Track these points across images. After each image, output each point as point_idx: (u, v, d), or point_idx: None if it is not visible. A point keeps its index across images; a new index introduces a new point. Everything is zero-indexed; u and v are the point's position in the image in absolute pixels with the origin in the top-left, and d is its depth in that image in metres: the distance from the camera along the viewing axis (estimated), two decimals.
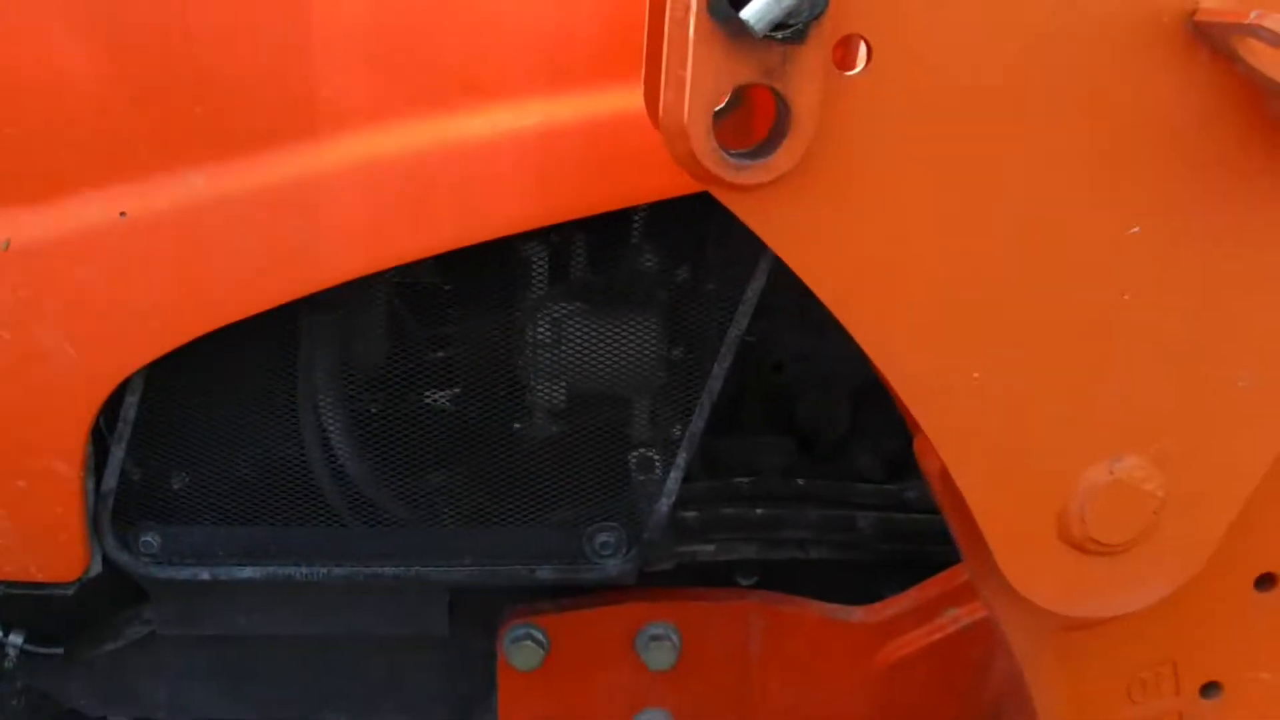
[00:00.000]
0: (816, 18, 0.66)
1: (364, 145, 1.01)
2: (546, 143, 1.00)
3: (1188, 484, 0.81)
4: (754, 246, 1.11)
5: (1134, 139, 0.73)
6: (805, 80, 0.68)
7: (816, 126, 0.68)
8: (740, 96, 0.73)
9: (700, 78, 0.67)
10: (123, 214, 1.00)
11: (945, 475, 0.82)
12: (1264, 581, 0.90)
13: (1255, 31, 0.68)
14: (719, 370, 1.13)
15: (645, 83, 0.84)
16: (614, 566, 1.21)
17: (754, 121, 0.76)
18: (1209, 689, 0.93)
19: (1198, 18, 0.72)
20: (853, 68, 0.71)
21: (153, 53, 0.98)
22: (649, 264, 1.13)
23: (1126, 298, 0.76)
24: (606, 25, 0.99)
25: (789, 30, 0.66)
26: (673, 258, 1.13)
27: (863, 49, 0.71)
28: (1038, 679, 0.89)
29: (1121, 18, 0.71)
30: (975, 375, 0.76)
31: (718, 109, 0.72)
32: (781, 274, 0.94)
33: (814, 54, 0.67)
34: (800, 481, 1.32)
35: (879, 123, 0.71)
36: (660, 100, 0.71)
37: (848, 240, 0.73)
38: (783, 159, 0.68)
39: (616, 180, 1.02)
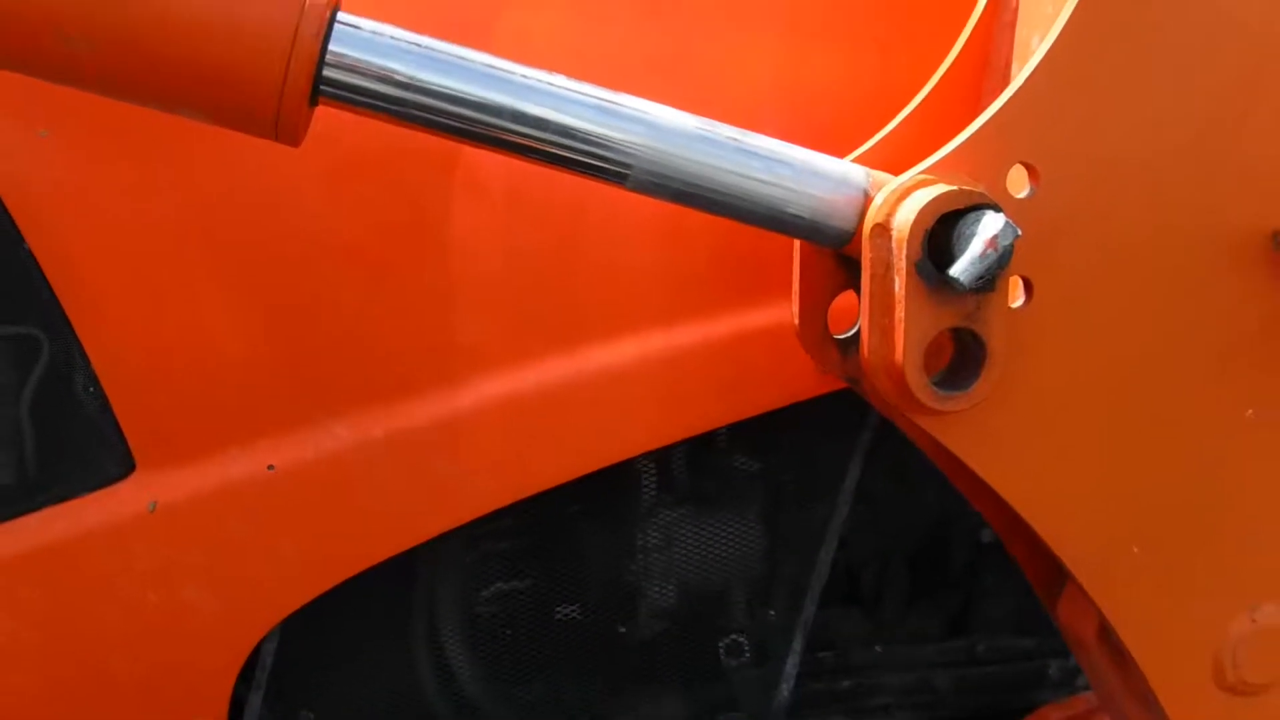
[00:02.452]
0: (1004, 267, 0.79)
1: (502, 384, 1.09)
2: (667, 368, 1.10)
3: None
4: (845, 444, 1.24)
5: (1242, 339, 0.88)
6: (996, 320, 0.80)
7: (1008, 358, 0.80)
8: None
9: (912, 326, 0.79)
10: (271, 467, 1.06)
11: (1101, 636, 0.93)
12: None
13: None
14: (825, 556, 1.23)
15: (802, 318, 0.95)
16: None
17: None
18: None
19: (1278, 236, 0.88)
20: (1015, 301, 0.84)
21: (300, 316, 1.06)
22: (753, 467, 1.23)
23: (1247, 472, 0.89)
24: (712, 259, 1.11)
25: (984, 280, 0.79)
26: (778, 460, 1.24)
27: (1021, 285, 0.85)
28: None
29: (1219, 246, 0.87)
30: (1135, 550, 0.88)
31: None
32: None
33: (1001, 297, 0.80)
34: (878, 649, 1.41)
35: (1042, 347, 0.84)
36: (865, 343, 0.82)
37: (1028, 448, 0.85)
38: (982, 388, 0.80)
39: (731, 397, 1.13)
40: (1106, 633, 0.93)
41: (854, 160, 0.89)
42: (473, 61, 0.81)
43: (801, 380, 1.13)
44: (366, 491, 1.09)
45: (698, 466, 1.24)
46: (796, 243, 0.96)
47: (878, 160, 0.89)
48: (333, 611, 1.16)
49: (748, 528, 1.26)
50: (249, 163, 0.98)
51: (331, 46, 0.77)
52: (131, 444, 1.04)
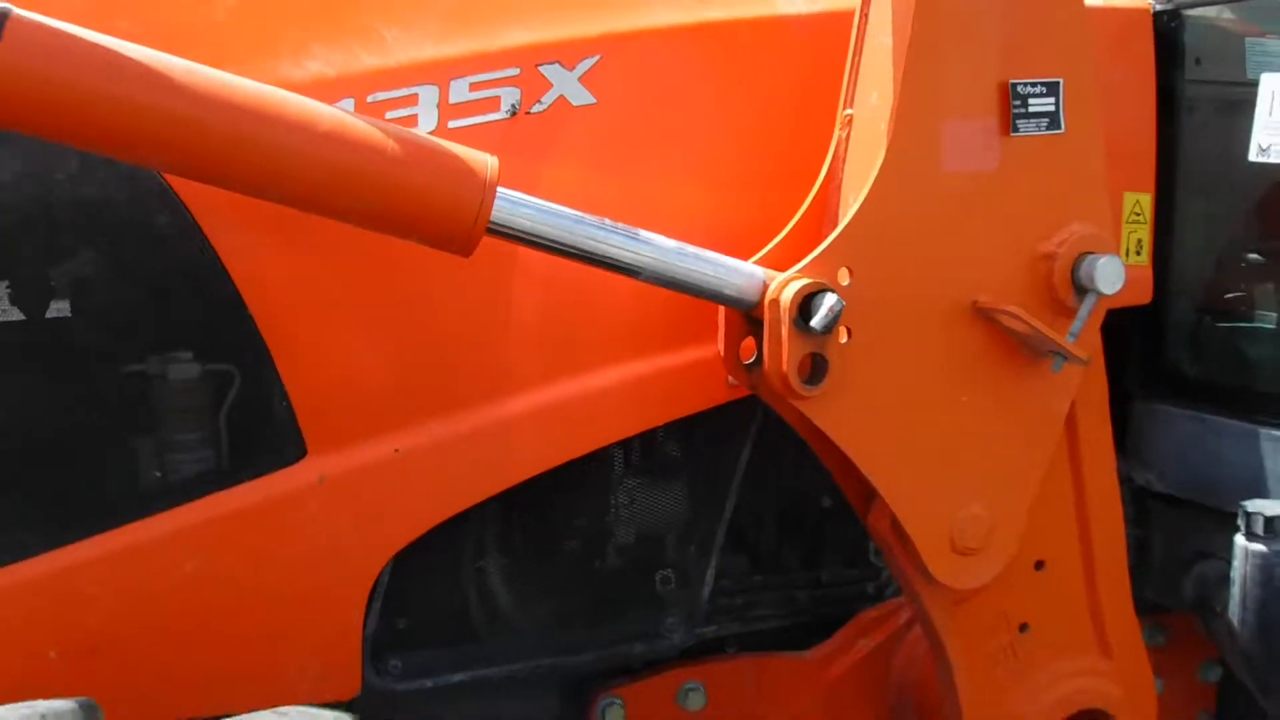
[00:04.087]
0: (837, 321, 1.50)
1: (529, 397, 1.73)
2: (640, 385, 1.76)
3: (999, 516, 1.67)
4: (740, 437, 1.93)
5: (966, 355, 1.61)
6: (833, 348, 1.50)
7: (840, 368, 1.51)
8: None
9: (792, 353, 1.48)
10: (396, 450, 1.67)
11: (896, 529, 1.64)
12: (1039, 565, 1.77)
13: (997, 312, 1.59)
14: (727, 514, 1.92)
15: (726, 351, 1.64)
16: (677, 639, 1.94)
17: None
18: (1023, 627, 1.78)
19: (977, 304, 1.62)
20: (843, 339, 1.55)
21: (418, 346, 1.66)
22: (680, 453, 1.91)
23: (966, 432, 1.62)
24: (667, 307, 1.75)
25: (827, 328, 1.49)
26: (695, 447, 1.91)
27: (845, 330, 1.56)
28: (945, 629, 1.70)
29: (949, 307, 1.60)
30: (900, 469, 1.59)
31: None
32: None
33: (835, 337, 1.51)
34: (758, 577, 2.09)
35: (860, 363, 1.55)
36: (768, 362, 1.51)
37: (854, 417, 1.55)
38: (826, 384, 1.50)
39: (669, 404, 1.79)
40: (895, 525, 1.64)
41: (755, 262, 1.60)
42: (575, 219, 1.48)
43: (714, 392, 1.81)
44: (452, 461, 1.70)
45: (646, 452, 1.90)
46: (721, 309, 1.65)
47: (767, 261, 1.60)
48: (416, 547, 1.76)
49: (676, 494, 1.93)
50: (396, 248, 1.59)
51: (495, 213, 1.43)
52: (306, 436, 1.63)
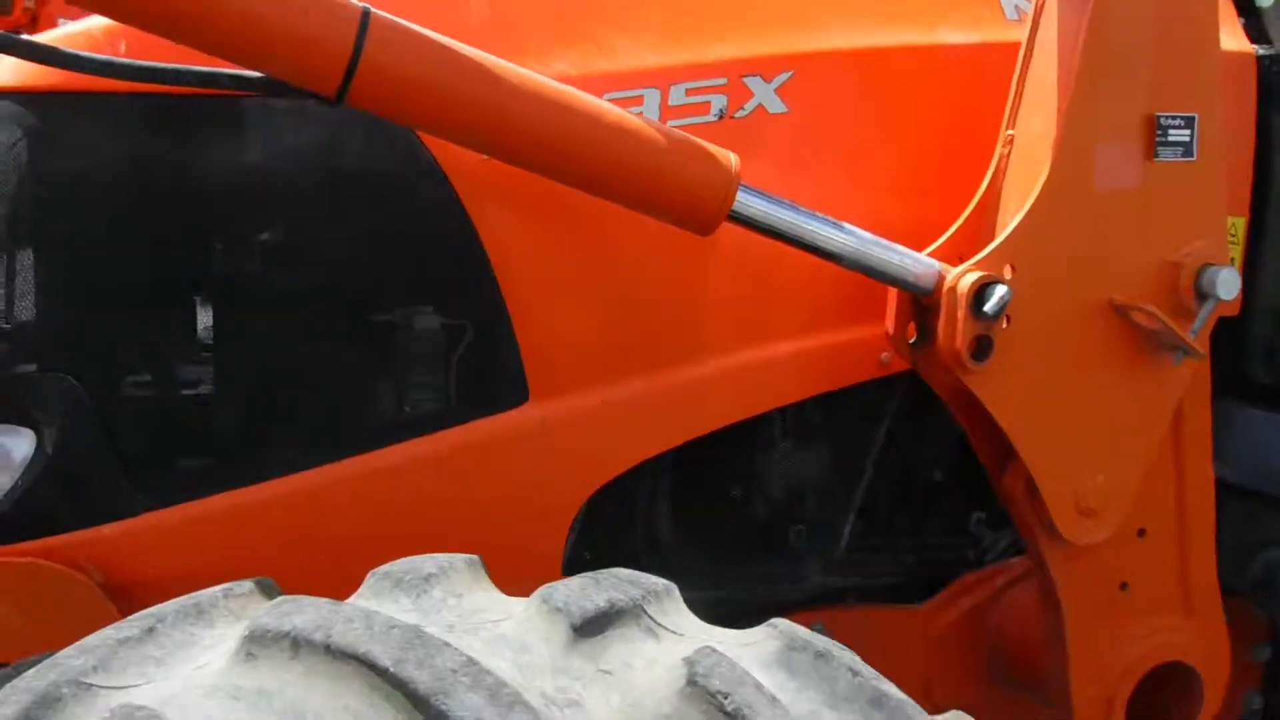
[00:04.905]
0: (1005, 309, 1.77)
1: (717, 361, 1.99)
2: (807, 357, 2.03)
3: (1116, 485, 1.95)
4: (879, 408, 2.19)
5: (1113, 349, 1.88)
6: (998, 332, 1.78)
7: (1002, 349, 1.78)
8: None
9: (965, 332, 1.76)
10: (604, 401, 1.93)
11: (1029, 489, 1.91)
12: (1141, 533, 2.05)
13: (1132, 309, 1.87)
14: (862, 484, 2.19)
15: (894, 331, 1.91)
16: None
17: None
18: (1124, 586, 2.06)
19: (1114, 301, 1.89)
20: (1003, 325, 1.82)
21: (626, 311, 1.92)
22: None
23: (1063, 409, 1.90)
24: (835, 290, 2.02)
25: (996, 314, 1.76)
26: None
27: (1006, 318, 1.83)
28: (1060, 581, 1.98)
29: (1093, 302, 1.87)
30: (1049, 441, 1.87)
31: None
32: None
33: (1001, 323, 1.78)
34: (875, 539, 2.36)
35: (1017, 345, 1.82)
36: (942, 340, 1.78)
37: (1010, 392, 1.83)
38: (991, 363, 1.78)
39: (821, 376, 2.06)
40: (1029, 485, 1.91)
41: (929, 254, 1.87)
42: (796, 210, 1.75)
43: (867, 368, 2.08)
44: (648, 413, 1.96)
45: (798, 418, 2.17)
46: (893, 294, 1.92)
47: (938, 254, 1.87)
48: (606, 486, 2.02)
49: (820, 459, 2.20)
50: (620, 229, 1.85)
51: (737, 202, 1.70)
52: (530, 384, 1.89)
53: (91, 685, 0.97)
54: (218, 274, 1.79)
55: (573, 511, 1.94)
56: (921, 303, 1.87)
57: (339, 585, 1.71)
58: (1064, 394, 1.87)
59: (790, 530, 2.23)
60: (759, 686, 0.95)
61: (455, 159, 1.79)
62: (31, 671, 1.00)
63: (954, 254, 1.86)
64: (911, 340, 1.92)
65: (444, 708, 0.86)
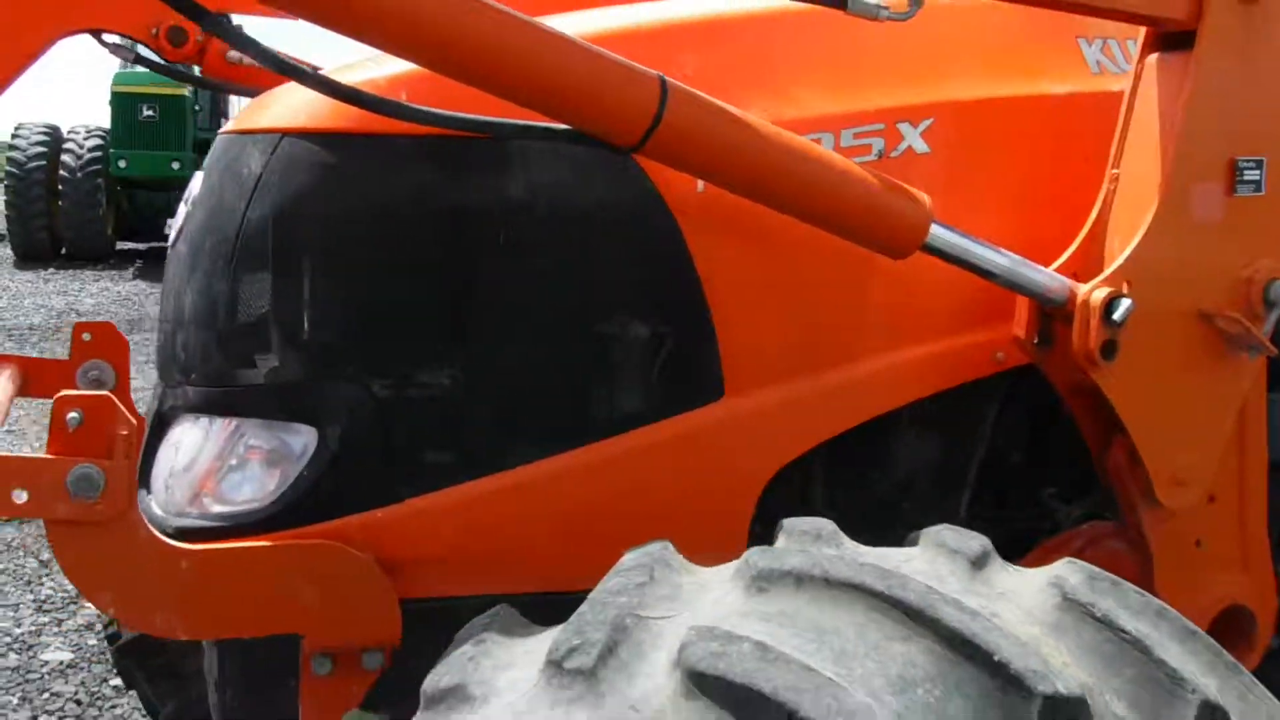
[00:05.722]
0: (1129, 315, 2.17)
1: (877, 361, 2.35)
2: (939, 357, 2.41)
3: (1201, 459, 2.36)
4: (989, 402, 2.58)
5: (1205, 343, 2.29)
6: (1124, 335, 2.18)
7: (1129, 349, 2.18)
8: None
9: (1097, 339, 2.15)
10: (784, 398, 2.28)
11: (1133, 462, 2.32)
12: (1211, 499, 2.47)
13: (1219, 316, 2.29)
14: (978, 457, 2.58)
15: (1025, 334, 2.30)
16: None
17: None
18: (1199, 543, 2.48)
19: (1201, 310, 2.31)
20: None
21: (797, 324, 2.29)
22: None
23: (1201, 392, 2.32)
24: (966, 301, 2.41)
25: (1123, 320, 2.16)
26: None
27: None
28: (1153, 539, 2.38)
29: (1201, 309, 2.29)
30: (1162, 426, 2.28)
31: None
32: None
33: (1124, 328, 2.18)
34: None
35: (1136, 346, 2.22)
36: (1077, 342, 2.17)
37: (1128, 384, 2.23)
38: (1118, 360, 2.18)
39: (958, 371, 2.44)
40: (1133, 458, 2.32)
41: (1057, 269, 2.26)
42: (971, 240, 2.14)
43: (984, 367, 2.46)
44: (818, 406, 2.31)
45: (923, 409, 2.54)
46: (1024, 303, 2.30)
47: (1064, 270, 2.27)
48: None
49: (940, 443, 2.58)
50: (807, 250, 2.21)
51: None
52: (726, 382, 2.24)
53: (643, 617, 1.28)
54: (475, 293, 2.10)
55: (758, 490, 2.29)
56: (1046, 311, 2.27)
57: (570, 558, 2.05)
58: (1166, 386, 2.28)
59: (915, 506, 2.61)
60: (1108, 594, 1.32)
61: (675, 192, 2.13)
62: (587, 608, 1.31)
63: (1068, 272, 2.26)
64: (1035, 342, 2.31)
65: (935, 615, 1.20)
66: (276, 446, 2.08)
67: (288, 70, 1.86)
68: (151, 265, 18.83)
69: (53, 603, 5.34)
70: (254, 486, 2.07)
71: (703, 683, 1.16)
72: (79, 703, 4.43)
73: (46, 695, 4.46)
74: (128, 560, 1.89)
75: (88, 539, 1.86)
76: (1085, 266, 2.29)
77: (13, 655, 4.80)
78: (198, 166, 2.10)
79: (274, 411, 2.07)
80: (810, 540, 1.42)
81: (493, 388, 2.12)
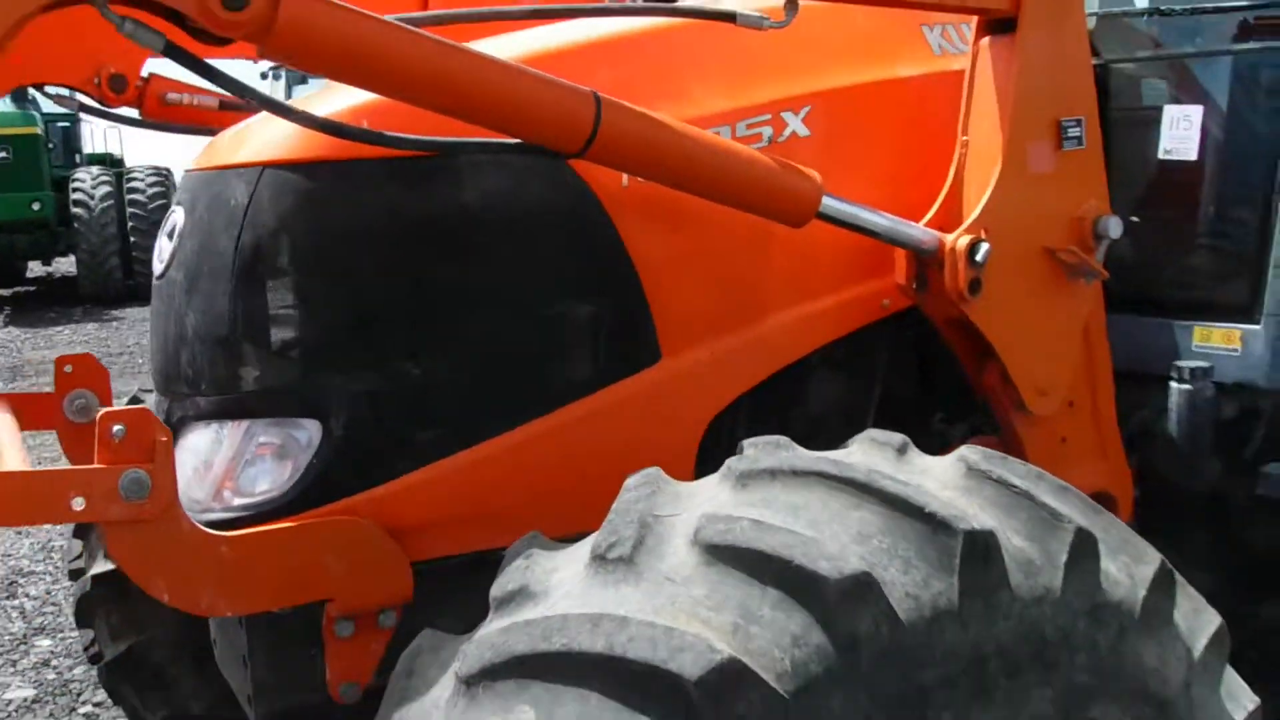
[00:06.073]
0: (989, 256, 2.61)
1: (784, 315, 2.76)
2: (839, 307, 2.83)
3: (1059, 371, 2.84)
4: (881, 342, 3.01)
5: (1051, 275, 2.77)
6: (982, 273, 2.63)
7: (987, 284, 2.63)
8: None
9: (965, 278, 2.59)
10: (711, 353, 2.66)
11: (1004, 380, 2.78)
12: (1070, 404, 2.95)
13: (1060, 251, 2.76)
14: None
15: (904, 278, 2.73)
16: None
17: None
18: (1063, 440, 2.95)
19: (1046, 247, 2.78)
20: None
21: (726, 282, 2.67)
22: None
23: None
24: (852, 255, 2.84)
25: (984, 261, 2.60)
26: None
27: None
28: (1025, 442, 2.84)
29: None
30: (1024, 346, 2.74)
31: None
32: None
33: (984, 266, 2.63)
34: None
35: (994, 279, 2.67)
36: (946, 283, 2.61)
37: (997, 311, 2.68)
38: (980, 295, 2.62)
39: (854, 318, 2.87)
40: (1004, 377, 2.78)
41: (926, 224, 2.70)
42: (857, 206, 2.56)
43: (875, 312, 2.89)
44: (740, 361, 2.70)
45: (826, 355, 2.95)
46: (901, 253, 2.73)
47: (931, 224, 2.71)
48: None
49: (844, 383, 3.00)
50: (722, 228, 2.60)
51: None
52: (662, 347, 2.60)
53: (659, 515, 1.64)
54: (440, 291, 2.42)
55: (699, 436, 2.67)
56: (921, 260, 2.70)
57: (544, 512, 2.40)
58: (1024, 312, 2.74)
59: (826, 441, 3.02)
60: (1000, 464, 1.75)
61: (605, 187, 2.49)
62: (614, 515, 1.67)
63: (935, 225, 2.70)
64: (913, 286, 2.75)
65: (878, 486, 1.60)
66: (285, 441, 2.37)
67: (276, 108, 2.16)
68: (22, 310, 18.26)
69: (1, 644, 5.42)
70: (270, 478, 2.37)
71: (717, 552, 1.54)
72: None
73: None
74: (175, 550, 2.17)
75: (140, 536, 2.13)
76: (948, 219, 2.73)
77: None
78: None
79: (280, 410, 2.37)
80: (773, 448, 1.81)
81: (463, 372, 2.45)
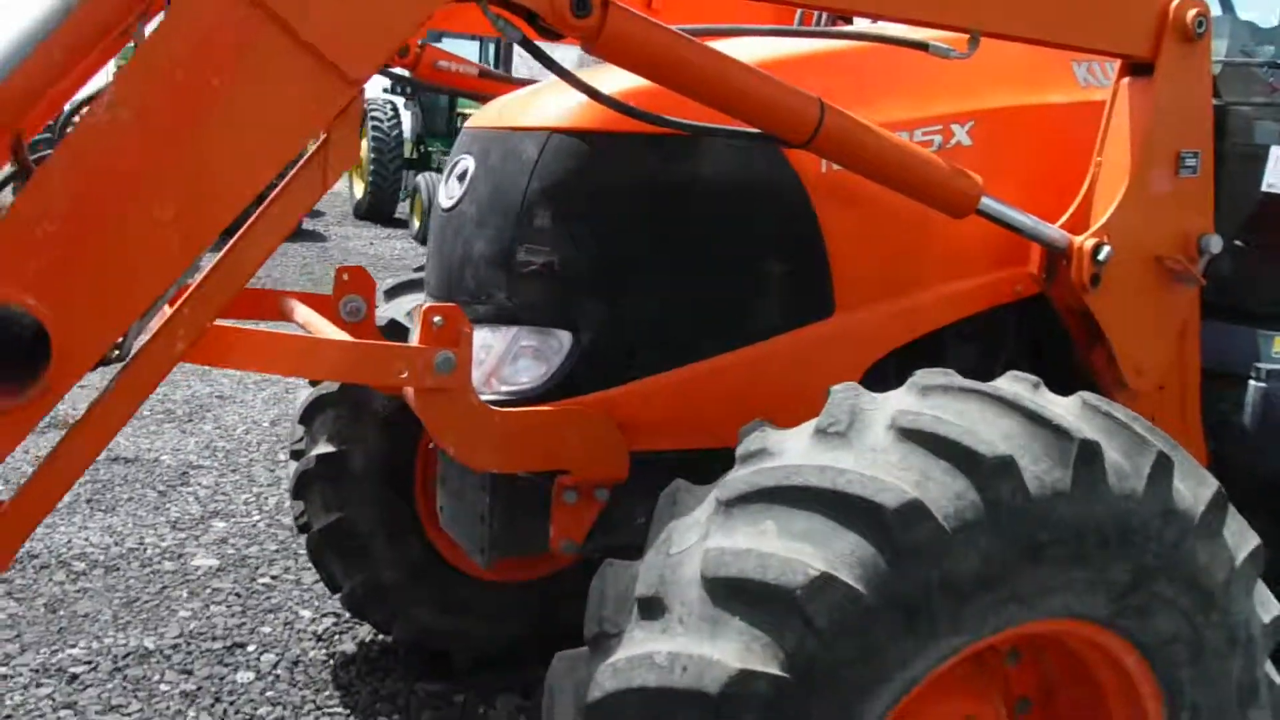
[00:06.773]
0: (1110, 257, 3.21)
1: (933, 292, 3.38)
2: (978, 287, 3.44)
3: (1158, 357, 3.44)
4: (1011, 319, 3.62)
5: (1159, 277, 3.36)
6: (1103, 271, 3.23)
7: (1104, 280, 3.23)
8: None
9: (1089, 272, 3.19)
10: (871, 312, 3.30)
11: (1110, 360, 3.36)
12: (1161, 388, 3.53)
13: (1168, 259, 3.35)
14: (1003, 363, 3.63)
15: (1038, 270, 3.33)
16: None
17: None
18: (1153, 419, 3.54)
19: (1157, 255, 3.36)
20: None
21: (894, 254, 3.30)
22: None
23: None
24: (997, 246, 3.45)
25: (1107, 260, 3.20)
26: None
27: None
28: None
29: None
30: (1135, 334, 3.33)
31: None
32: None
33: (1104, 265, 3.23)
34: None
35: (1113, 276, 3.26)
36: (1073, 275, 3.21)
37: (1113, 304, 3.27)
38: (1101, 288, 3.22)
39: (990, 298, 3.47)
40: (1110, 359, 3.36)
41: (1059, 226, 3.30)
42: (1011, 208, 3.18)
43: (1006, 295, 3.49)
44: (899, 319, 3.33)
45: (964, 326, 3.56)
46: (1037, 248, 3.34)
47: (1064, 227, 3.31)
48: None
49: (978, 351, 3.60)
50: (895, 212, 3.24)
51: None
52: (837, 304, 3.25)
53: (864, 408, 2.34)
54: (676, 242, 3.10)
55: (858, 379, 3.30)
56: (1052, 255, 3.31)
57: (735, 424, 3.06)
58: (1133, 305, 3.33)
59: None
60: (1110, 404, 2.39)
61: (807, 171, 3.14)
62: (832, 404, 2.34)
63: (1067, 228, 3.30)
64: (1042, 276, 3.36)
65: (1022, 405, 2.27)
66: (543, 345, 3.07)
67: (572, 80, 2.84)
68: None
69: (184, 523, 6.25)
70: (529, 373, 3.07)
71: (906, 434, 2.21)
72: (239, 595, 5.36)
73: (209, 590, 5.39)
74: (466, 417, 2.87)
75: (443, 402, 2.84)
76: (1078, 224, 3.33)
77: (167, 563, 5.72)
78: None
79: (542, 321, 3.07)
80: (943, 376, 2.45)
81: (683, 308, 3.12)
